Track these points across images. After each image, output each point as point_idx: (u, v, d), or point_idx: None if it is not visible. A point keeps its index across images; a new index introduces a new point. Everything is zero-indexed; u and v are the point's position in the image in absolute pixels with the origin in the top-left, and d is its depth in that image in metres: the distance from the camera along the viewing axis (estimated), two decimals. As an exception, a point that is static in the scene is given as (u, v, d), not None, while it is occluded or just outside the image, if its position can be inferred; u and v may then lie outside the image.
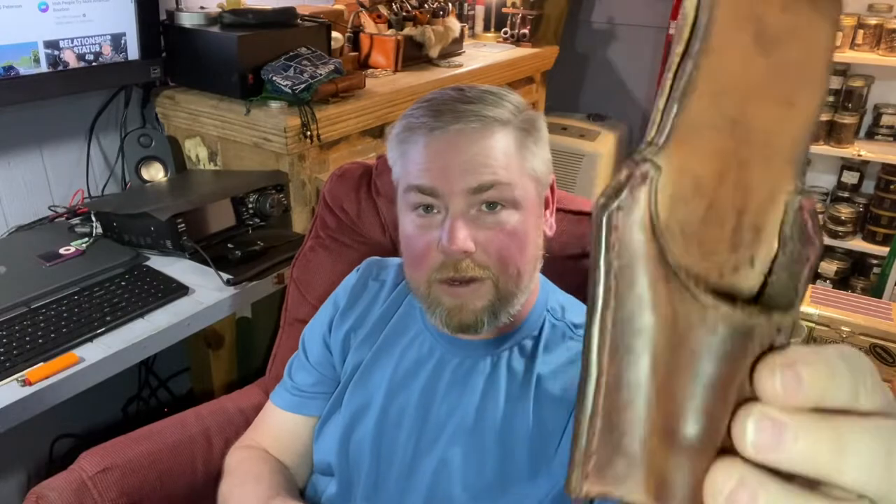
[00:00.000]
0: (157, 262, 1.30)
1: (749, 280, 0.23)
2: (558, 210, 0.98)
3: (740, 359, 0.22)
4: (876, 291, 2.38)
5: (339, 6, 1.87)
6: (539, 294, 0.80)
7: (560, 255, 0.95)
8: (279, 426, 0.94)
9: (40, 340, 1.04)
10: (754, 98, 0.21)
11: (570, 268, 0.95)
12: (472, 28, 2.53)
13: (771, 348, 0.22)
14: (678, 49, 0.21)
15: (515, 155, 0.70)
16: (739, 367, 0.22)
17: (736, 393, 0.22)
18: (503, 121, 0.70)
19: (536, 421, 0.74)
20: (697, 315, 0.21)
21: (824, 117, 2.34)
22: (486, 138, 0.69)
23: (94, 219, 1.37)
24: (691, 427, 0.22)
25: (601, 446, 0.23)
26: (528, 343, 0.78)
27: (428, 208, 0.71)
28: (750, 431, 0.20)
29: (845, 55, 2.28)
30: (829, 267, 2.51)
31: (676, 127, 0.21)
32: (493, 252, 0.69)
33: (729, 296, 0.22)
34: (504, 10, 2.45)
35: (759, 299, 0.23)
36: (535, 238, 0.73)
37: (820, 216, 2.44)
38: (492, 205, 0.69)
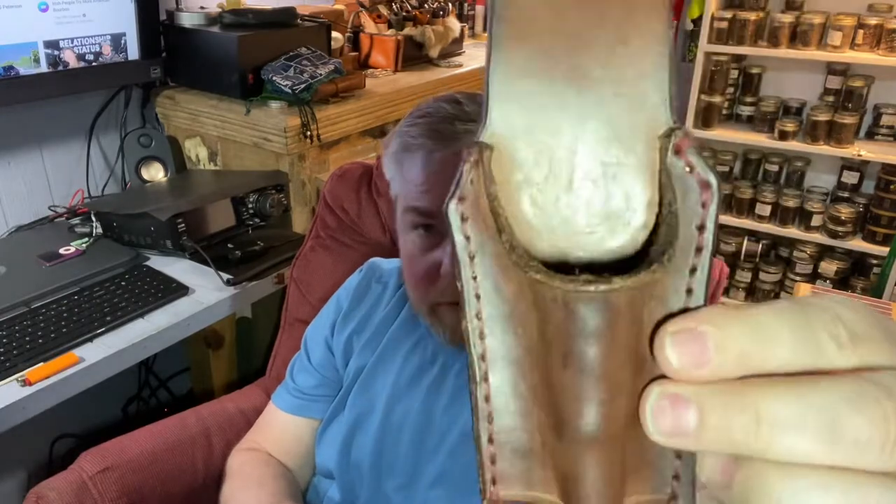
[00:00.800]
0: (157, 262, 1.30)
1: (620, 242, 0.20)
2: None
3: (621, 327, 0.19)
4: (876, 291, 2.38)
5: (339, 6, 1.87)
6: None
7: None
8: (281, 428, 0.93)
9: (40, 340, 1.04)
10: (576, 48, 0.19)
11: None
12: (472, 28, 2.53)
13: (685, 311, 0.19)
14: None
15: None
16: (626, 335, 0.19)
17: (641, 362, 0.19)
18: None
19: None
20: (548, 293, 0.19)
21: (824, 117, 2.34)
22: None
23: (94, 219, 1.37)
24: (587, 418, 0.19)
25: (501, 450, 0.21)
26: None
27: (428, 228, 0.70)
28: (649, 418, 0.18)
29: (845, 55, 2.28)
30: (829, 267, 2.51)
31: (493, 102, 0.19)
32: None
33: (591, 268, 0.19)
34: (504, 10, 2.45)
35: (641, 259, 0.20)
36: None
37: (818, 216, 2.46)
38: None
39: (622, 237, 0.20)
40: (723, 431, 0.16)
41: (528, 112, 0.19)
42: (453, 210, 0.19)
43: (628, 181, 0.20)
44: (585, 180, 0.20)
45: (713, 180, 0.18)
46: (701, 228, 0.19)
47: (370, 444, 0.81)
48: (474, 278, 0.20)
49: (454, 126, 0.68)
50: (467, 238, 0.20)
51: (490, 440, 0.21)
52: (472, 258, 0.20)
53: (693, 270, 0.19)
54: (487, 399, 0.21)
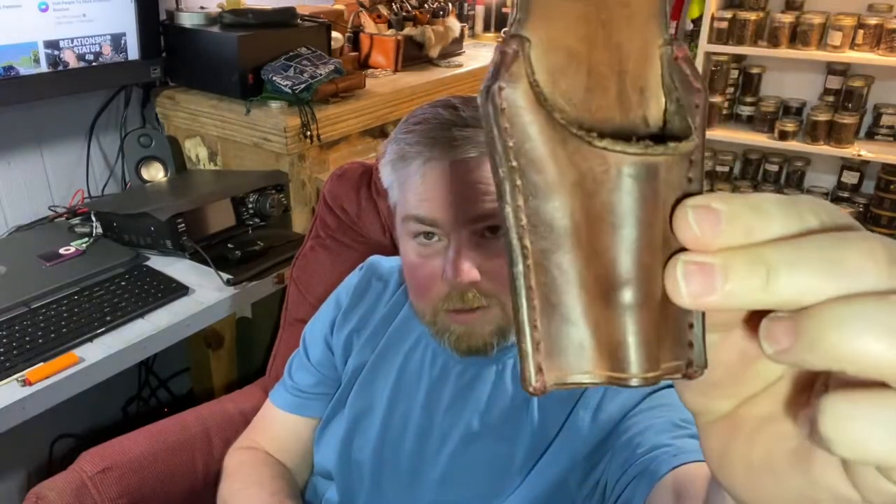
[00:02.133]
0: (157, 262, 1.30)
1: (644, 131, 0.23)
2: None
3: (656, 201, 0.22)
4: (876, 291, 2.38)
5: (339, 6, 1.87)
6: None
7: None
8: (279, 427, 0.93)
9: (40, 340, 1.04)
10: None
11: None
12: (472, 28, 2.53)
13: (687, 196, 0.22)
14: None
15: None
16: (657, 211, 0.22)
17: (663, 242, 0.22)
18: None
19: (541, 425, 0.73)
20: (600, 165, 0.21)
21: (824, 117, 2.34)
22: (484, 165, 0.65)
23: (94, 219, 1.37)
24: (628, 285, 0.22)
25: (546, 331, 0.22)
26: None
27: (429, 235, 0.70)
28: (680, 282, 0.20)
29: (845, 55, 2.28)
30: (829, 267, 2.52)
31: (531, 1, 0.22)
32: (499, 279, 0.67)
33: (626, 138, 0.22)
34: (504, 9, 2.45)
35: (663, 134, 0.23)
36: None
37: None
38: (495, 229, 0.67)
39: (643, 120, 0.23)
40: (744, 283, 0.19)
41: (558, 21, 0.22)
42: (492, 100, 0.21)
43: (643, 76, 0.23)
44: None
45: (703, 86, 0.23)
46: (696, 127, 0.23)
47: (371, 445, 0.81)
48: (515, 159, 0.22)
49: (451, 132, 0.67)
50: (504, 125, 0.21)
51: (535, 326, 0.22)
52: (513, 141, 0.21)
53: (692, 163, 0.23)
54: (531, 278, 0.22)
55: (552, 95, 0.22)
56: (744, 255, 0.19)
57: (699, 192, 0.22)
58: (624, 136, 0.22)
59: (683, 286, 0.20)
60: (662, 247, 0.22)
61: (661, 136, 0.22)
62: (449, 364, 0.79)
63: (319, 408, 0.90)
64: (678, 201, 0.22)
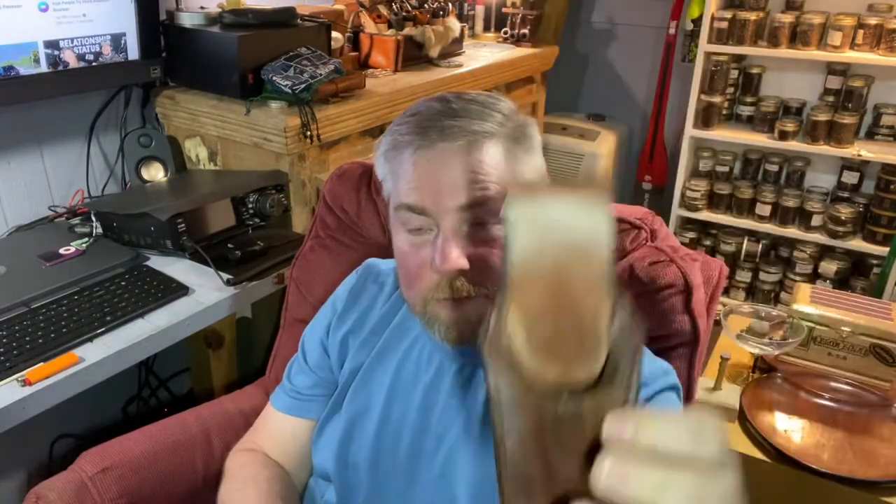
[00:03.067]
0: (157, 262, 1.30)
1: (591, 372, 0.33)
2: None
3: (589, 426, 0.32)
4: (876, 291, 2.38)
5: (339, 6, 1.87)
6: None
7: None
8: (279, 429, 0.93)
9: (40, 340, 1.04)
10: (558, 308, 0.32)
11: None
12: (472, 28, 2.53)
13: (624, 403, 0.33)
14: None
15: (505, 167, 0.68)
16: (588, 433, 0.32)
17: (588, 447, 0.32)
18: (490, 133, 0.68)
19: None
20: (549, 406, 0.32)
21: (824, 117, 2.34)
22: (474, 153, 0.67)
23: (94, 219, 1.37)
24: (566, 474, 0.33)
25: (512, 496, 0.35)
26: None
27: (419, 231, 0.70)
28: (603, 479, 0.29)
29: (845, 55, 2.28)
30: (829, 267, 2.51)
31: (511, 281, 0.32)
32: (488, 268, 0.68)
33: (576, 386, 0.32)
34: (504, 10, 2.45)
35: (600, 380, 0.33)
36: None
37: (818, 216, 2.45)
38: (484, 220, 0.67)
39: (594, 370, 0.33)
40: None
41: (531, 294, 0.32)
42: (481, 349, 0.34)
43: (595, 329, 0.32)
44: None
45: (640, 340, 0.34)
46: (627, 375, 0.33)
47: (368, 445, 0.81)
48: (494, 390, 0.34)
49: (441, 122, 0.68)
50: (490, 367, 0.34)
51: (504, 488, 0.36)
52: (493, 379, 0.34)
53: (627, 398, 0.33)
54: (504, 463, 0.35)
55: (522, 353, 0.32)
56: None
57: (633, 403, 0.34)
58: (572, 384, 0.32)
59: (602, 482, 0.29)
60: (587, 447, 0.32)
61: (600, 379, 0.33)
62: (444, 364, 0.79)
63: (317, 409, 0.91)
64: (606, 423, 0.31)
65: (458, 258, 0.66)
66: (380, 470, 0.80)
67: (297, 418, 0.92)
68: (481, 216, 0.67)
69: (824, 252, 2.54)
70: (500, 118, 0.70)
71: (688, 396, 0.92)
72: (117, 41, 1.41)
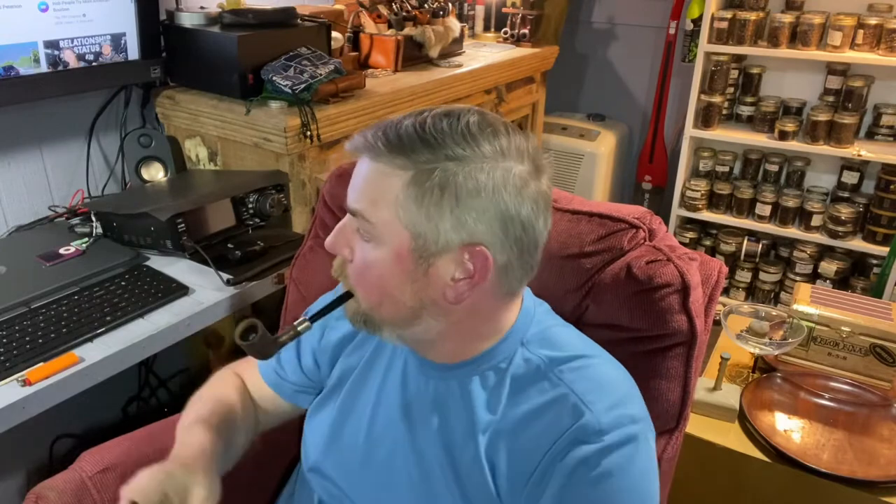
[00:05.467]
0: (157, 262, 1.30)
1: None
2: (556, 209, 0.98)
3: None
4: (876, 291, 2.38)
5: (339, 6, 1.87)
6: (516, 323, 0.75)
7: (558, 255, 0.95)
8: (261, 384, 0.97)
9: (40, 340, 1.04)
10: None
11: (569, 267, 0.95)
12: (472, 28, 2.53)
13: None
14: None
15: (395, 201, 0.64)
16: None
17: None
18: (402, 166, 0.64)
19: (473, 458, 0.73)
20: None
21: (824, 117, 2.34)
22: (378, 171, 0.66)
23: (94, 219, 1.37)
24: None
25: None
26: (491, 375, 0.74)
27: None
28: None
29: (845, 55, 2.28)
30: (829, 267, 2.51)
31: None
32: (354, 276, 0.71)
33: None
34: (504, 10, 2.45)
35: None
36: (401, 287, 0.67)
37: (818, 216, 2.46)
38: (364, 234, 0.68)
39: None
40: None
41: None
42: None
43: None
44: None
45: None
46: None
47: (351, 450, 0.82)
48: None
49: (375, 132, 0.66)
50: None
51: None
52: None
53: None
54: None
55: None
56: None
57: None
58: None
59: None
60: None
61: None
62: (409, 377, 0.79)
63: (295, 397, 0.93)
64: None
65: (330, 243, 0.71)
66: (353, 474, 0.82)
67: (274, 392, 0.95)
68: (358, 227, 0.68)
69: (824, 252, 2.54)
70: (434, 158, 0.63)
71: (683, 397, 0.91)
72: (117, 41, 1.41)
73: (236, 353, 0.89)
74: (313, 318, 0.74)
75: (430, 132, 0.64)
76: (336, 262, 0.73)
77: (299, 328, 0.74)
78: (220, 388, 0.94)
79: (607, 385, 0.71)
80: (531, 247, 0.68)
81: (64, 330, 1.07)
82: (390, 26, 1.95)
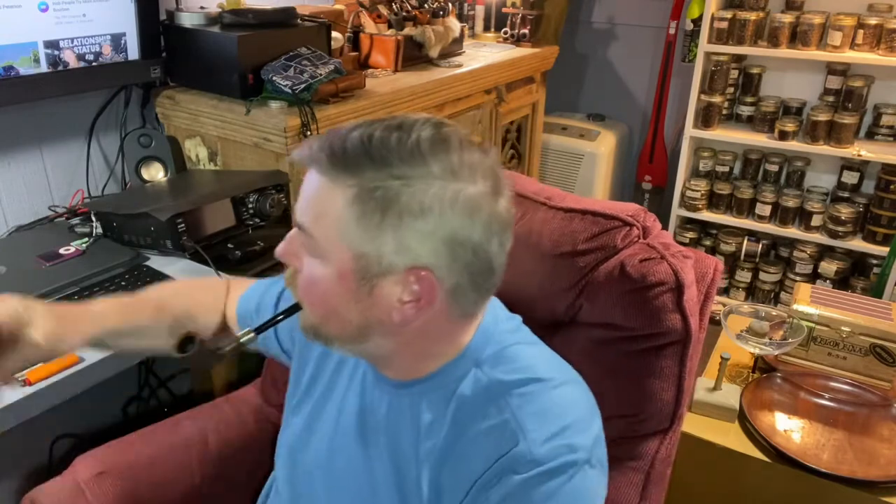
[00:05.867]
0: (157, 262, 1.30)
1: None
2: (549, 208, 0.97)
3: None
4: (876, 291, 2.38)
5: (339, 6, 1.87)
6: (471, 343, 0.71)
7: (551, 254, 0.94)
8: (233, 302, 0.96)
9: (40, 340, 1.04)
10: None
11: (562, 265, 0.94)
12: (472, 28, 2.53)
13: None
14: None
15: (337, 219, 0.61)
16: None
17: None
18: (346, 182, 0.61)
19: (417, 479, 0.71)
20: None
21: (824, 117, 2.34)
22: (322, 186, 0.62)
23: (94, 219, 1.37)
24: None
25: None
26: (440, 396, 0.71)
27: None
28: None
29: (845, 55, 2.28)
30: (829, 267, 2.51)
31: None
32: (299, 285, 0.68)
33: None
34: (504, 10, 2.45)
35: None
36: (346, 305, 0.65)
37: (818, 216, 2.45)
38: (310, 250, 0.66)
39: None
40: None
41: None
42: None
43: None
44: None
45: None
46: None
47: (312, 459, 0.81)
48: None
49: (320, 141, 0.63)
50: None
51: None
52: None
53: None
54: None
55: None
56: None
57: None
58: None
59: None
60: None
61: None
62: (367, 390, 0.77)
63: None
64: None
65: (280, 251, 0.69)
66: (315, 483, 0.81)
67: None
68: (303, 242, 0.66)
69: (824, 252, 2.54)
70: (379, 176, 0.60)
71: (678, 396, 0.91)
72: (117, 41, 1.41)
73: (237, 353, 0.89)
74: (259, 330, 0.73)
75: (376, 147, 0.60)
76: (287, 271, 0.70)
77: (243, 339, 0.73)
78: (180, 288, 0.96)
79: (554, 412, 0.67)
80: (484, 271, 0.64)
81: (64, 330, 1.07)
82: (390, 26, 1.95)
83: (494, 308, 0.75)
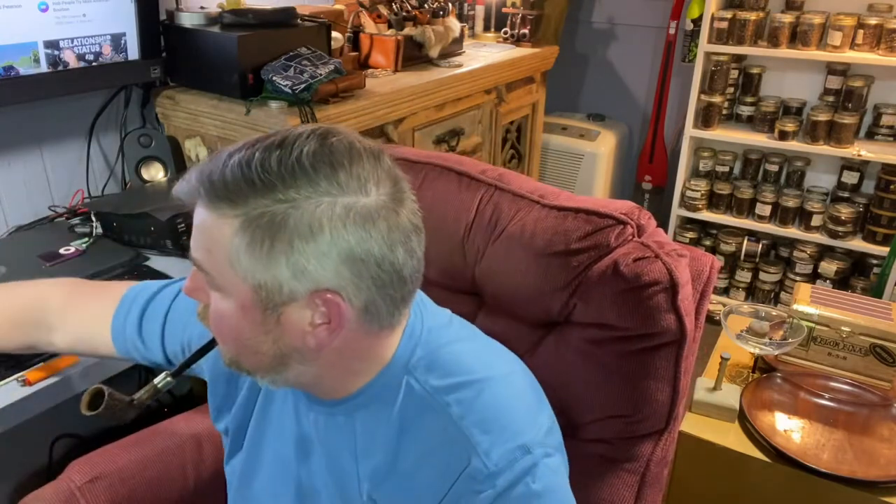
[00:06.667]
0: (157, 263, 1.30)
1: None
2: (542, 206, 0.97)
3: None
4: (876, 291, 2.38)
5: (339, 6, 1.87)
6: (398, 350, 0.68)
7: (544, 253, 0.93)
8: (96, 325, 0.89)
9: (40, 340, 1.04)
10: None
11: (555, 265, 0.93)
12: (472, 28, 2.53)
13: None
14: None
15: (228, 252, 0.59)
16: None
17: None
18: (229, 214, 0.58)
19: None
20: None
21: (824, 117, 2.34)
22: (208, 219, 0.60)
23: (94, 219, 1.37)
24: None
25: None
26: (375, 409, 0.69)
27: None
28: None
29: (845, 55, 2.28)
30: (829, 267, 2.51)
31: None
32: (209, 321, 0.65)
33: None
34: (504, 10, 2.45)
35: None
36: (256, 338, 0.62)
37: (818, 216, 2.45)
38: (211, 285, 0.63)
39: None
40: None
41: None
42: None
43: None
44: None
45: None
46: None
47: (264, 496, 0.80)
48: None
49: (212, 173, 0.59)
50: None
51: None
52: None
53: None
54: None
55: None
56: None
57: None
58: None
59: None
60: None
61: None
62: (300, 412, 0.75)
63: (129, 353, 0.89)
64: None
65: (184, 286, 0.68)
66: None
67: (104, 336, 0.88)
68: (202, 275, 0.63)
69: (824, 252, 2.54)
70: (255, 202, 0.57)
71: (673, 397, 0.90)
72: (117, 41, 1.41)
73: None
74: (175, 374, 0.72)
75: (256, 172, 0.56)
76: (199, 306, 0.68)
77: (159, 385, 0.72)
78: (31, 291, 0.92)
79: (497, 416, 0.66)
80: (394, 282, 0.61)
81: (64, 330, 1.07)
82: (390, 26, 1.95)
83: (421, 305, 0.72)
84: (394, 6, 1.99)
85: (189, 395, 1.75)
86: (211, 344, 0.69)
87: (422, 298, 0.74)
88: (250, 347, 0.63)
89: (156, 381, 0.72)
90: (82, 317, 0.90)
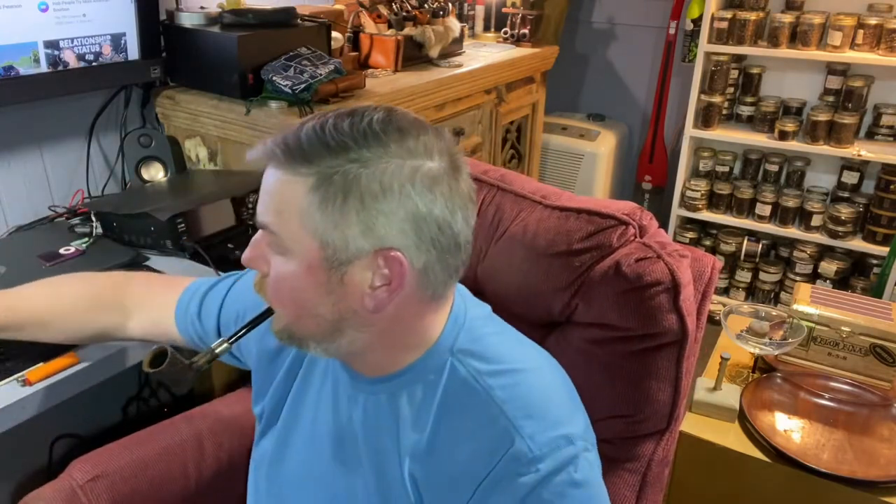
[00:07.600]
0: (157, 262, 1.30)
1: None
2: (544, 206, 0.97)
3: None
4: (876, 291, 2.38)
5: (339, 6, 1.87)
6: (444, 332, 0.71)
7: (546, 253, 0.94)
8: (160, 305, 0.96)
9: (40, 340, 1.04)
10: None
11: (557, 265, 0.93)
12: (472, 28, 2.53)
13: None
14: None
15: (299, 210, 0.61)
16: None
17: None
18: (304, 172, 0.61)
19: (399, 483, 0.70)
20: None
21: (824, 117, 2.34)
22: (281, 180, 0.62)
23: (94, 219, 1.36)
24: None
25: None
26: (420, 390, 0.70)
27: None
28: None
29: (845, 55, 2.28)
30: (829, 267, 2.51)
31: None
32: (268, 288, 0.68)
33: None
34: (504, 10, 2.45)
35: None
36: (318, 300, 0.64)
37: (818, 216, 2.46)
38: (276, 248, 0.65)
39: None
40: None
41: None
42: None
43: None
44: None
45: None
46: None
47: (294, 480, 0.81)
48: None
49: (276, 139, 0.63)
50: None
51: None
52: None
53: None
54: None
55: None
56: None
57: None
58: None
59: None
60: None
61: None
62: (340, 396, 0.76)
63: (189, 334, 0.94)
64: None
65: (245, 256, 0.69)
66: (290, 498, 0.80)
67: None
68: (268, 241, 0.65)
69: (824, 252, 2.54)
70: (330, 161, 0.60)
71: (674, 397, 0.91)
72: (117, 41, 1.41)
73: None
74: (231, 339, 0.73)
75: (330, 134, 0.60)
76: (256, 277, 0.69)
77: (217, 350, 0.73)
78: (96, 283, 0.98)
79: (540, 403, 0.67)
80: (451, 247, 0.64)
81: (64, 330, 1.07)
82: (390, 26, 1.95)
83: (463, 295, 0.75)
84: (394, 6, 1.99)
85: (189, 395, 1.75)
86: (267, 313, 0.71)
87: (464, 291, 0.76)
88: (310, 311, 0.65)
89: (213, 345, 0.73)
90: (155, 303, 0.96)
